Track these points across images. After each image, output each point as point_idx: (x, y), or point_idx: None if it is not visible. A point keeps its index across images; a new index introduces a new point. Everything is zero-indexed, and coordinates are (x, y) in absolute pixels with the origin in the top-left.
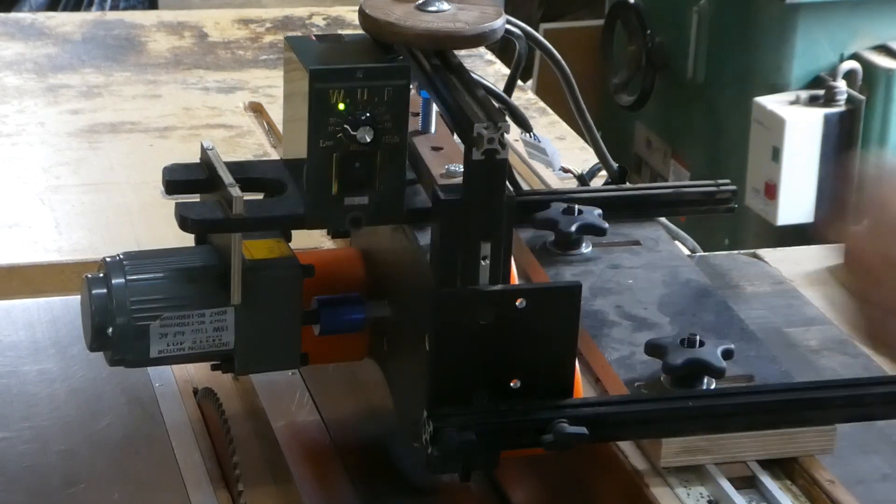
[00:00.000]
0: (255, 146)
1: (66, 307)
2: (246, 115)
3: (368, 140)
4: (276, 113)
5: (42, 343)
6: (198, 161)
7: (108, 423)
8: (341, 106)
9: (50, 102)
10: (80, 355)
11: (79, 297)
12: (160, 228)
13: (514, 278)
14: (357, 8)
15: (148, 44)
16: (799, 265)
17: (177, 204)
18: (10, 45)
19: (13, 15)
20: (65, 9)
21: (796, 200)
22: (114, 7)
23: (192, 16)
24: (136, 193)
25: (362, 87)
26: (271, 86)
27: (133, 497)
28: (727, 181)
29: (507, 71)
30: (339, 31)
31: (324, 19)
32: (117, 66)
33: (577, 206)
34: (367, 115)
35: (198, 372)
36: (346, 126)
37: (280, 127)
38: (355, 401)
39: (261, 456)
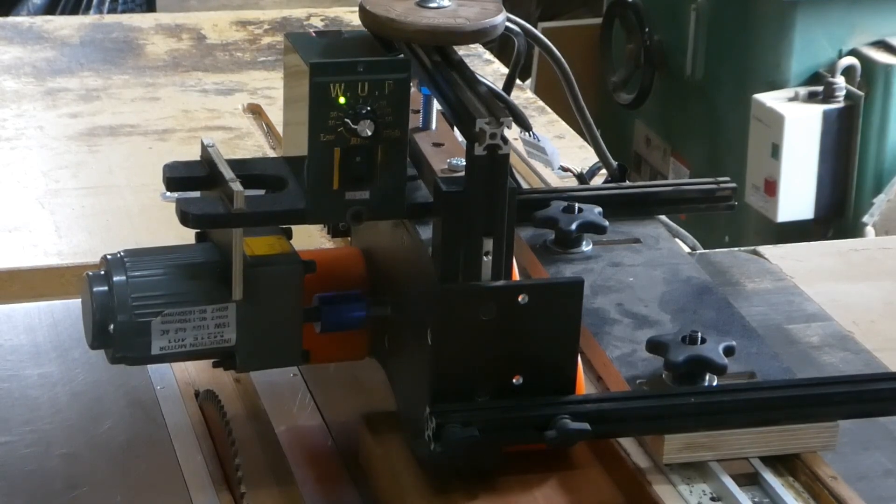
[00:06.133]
0: (254, 148)
1: (67, 311)
2: (245, 117)
3: (369, 134)
4: (275, 114)
5: (43, 347)
6: (198, 159)
7: (110, 426)
8: (342, 100)
9: (49, 106)
10: (81, 359)
11: (79, 300)
12: (160, 231)
13: (516, 275)
14: (355, 8)
15: (146, 46)
16: (799, 262)
17: (178, 199)
18: (9, 49)
19: (11, 19)
20: (63, 12)
21: (796, 197)
22: (112, 10)
23: (190, 18)
24: (136, 196)
25: (363, 81)
26: (270, 87)
27: (135, 500)
28: (727, 178)
29: (505, 70)
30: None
31: (322, 20)
32: (116, 70)
33: (577, 205)
34: (368, 108)
35: (199, 374)
36: (346, 120)
37: (279, 128)
38: (357, 402)
39: (263, 457)
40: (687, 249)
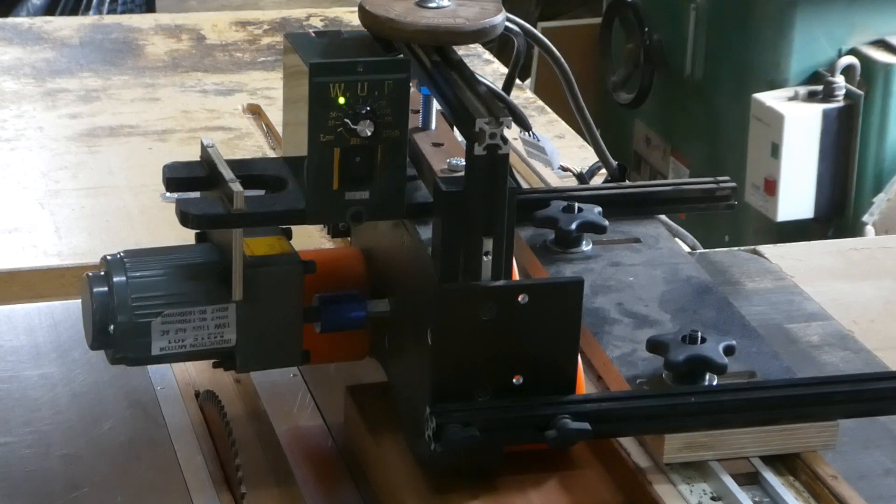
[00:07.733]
0: (253, 148)
1: (67, 311)
2: (244, 118)
3: (369, 134)
4: (275, 115)
5: (43, 348)
6: (198, 160)
7: (110, 427)
8: (341, 100)
9: (48, 107)
10: (81, 359)
11: (79, 301)
12: (160, 231)
13: (516, 275)
14: (355, 8)
15: (146, 47)
16: (799, 261)
17: (178, 200)
18: (8, 49)
19: (11, 20)
20: (62, 13)
21: (796, 196)
22: (111, 11)
23: (189, 18)
24: (136, 197)
25: (362, 81)
26: (269, 87)
27: (136, 500)
28: (727, 178)
29: (505, 70)
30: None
31: (321, 20)
32: (115, 70)
33: (577, 204)
34: (368, 108)
35: (199, 374)
36: (346, 120)
37: (278, 128)
38: None
39: (263, 458)
40: (687, 249)
